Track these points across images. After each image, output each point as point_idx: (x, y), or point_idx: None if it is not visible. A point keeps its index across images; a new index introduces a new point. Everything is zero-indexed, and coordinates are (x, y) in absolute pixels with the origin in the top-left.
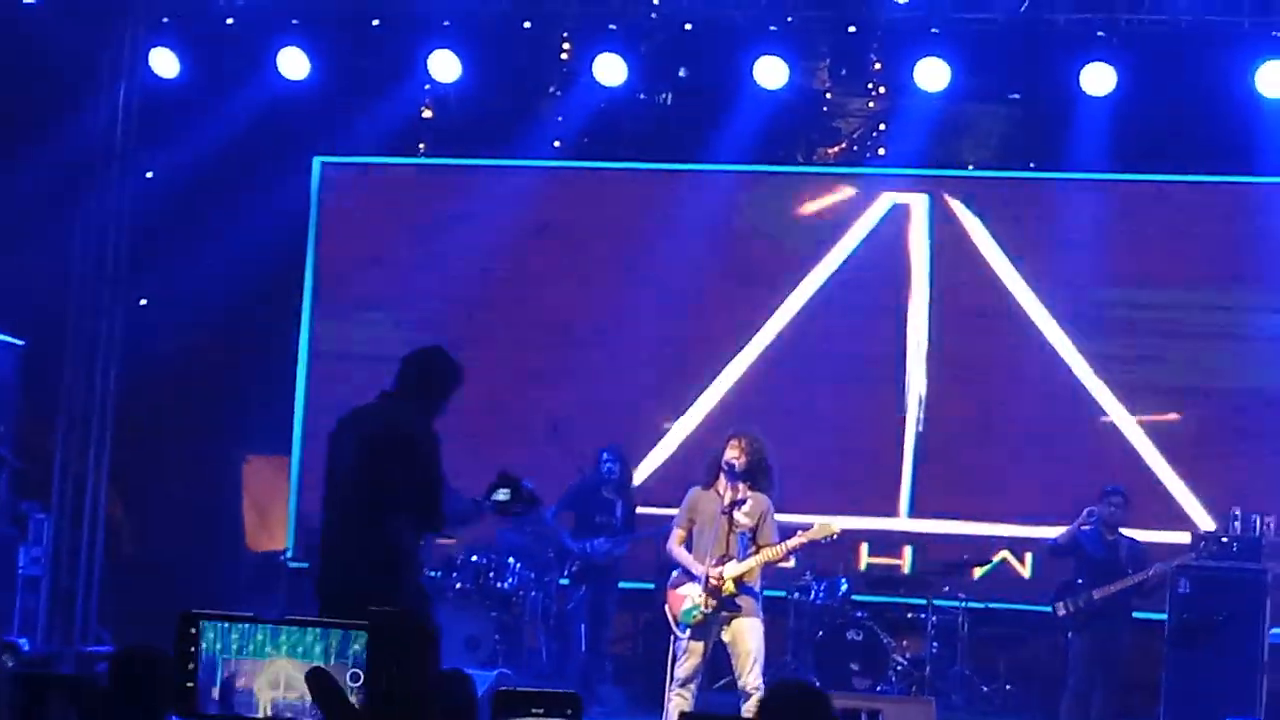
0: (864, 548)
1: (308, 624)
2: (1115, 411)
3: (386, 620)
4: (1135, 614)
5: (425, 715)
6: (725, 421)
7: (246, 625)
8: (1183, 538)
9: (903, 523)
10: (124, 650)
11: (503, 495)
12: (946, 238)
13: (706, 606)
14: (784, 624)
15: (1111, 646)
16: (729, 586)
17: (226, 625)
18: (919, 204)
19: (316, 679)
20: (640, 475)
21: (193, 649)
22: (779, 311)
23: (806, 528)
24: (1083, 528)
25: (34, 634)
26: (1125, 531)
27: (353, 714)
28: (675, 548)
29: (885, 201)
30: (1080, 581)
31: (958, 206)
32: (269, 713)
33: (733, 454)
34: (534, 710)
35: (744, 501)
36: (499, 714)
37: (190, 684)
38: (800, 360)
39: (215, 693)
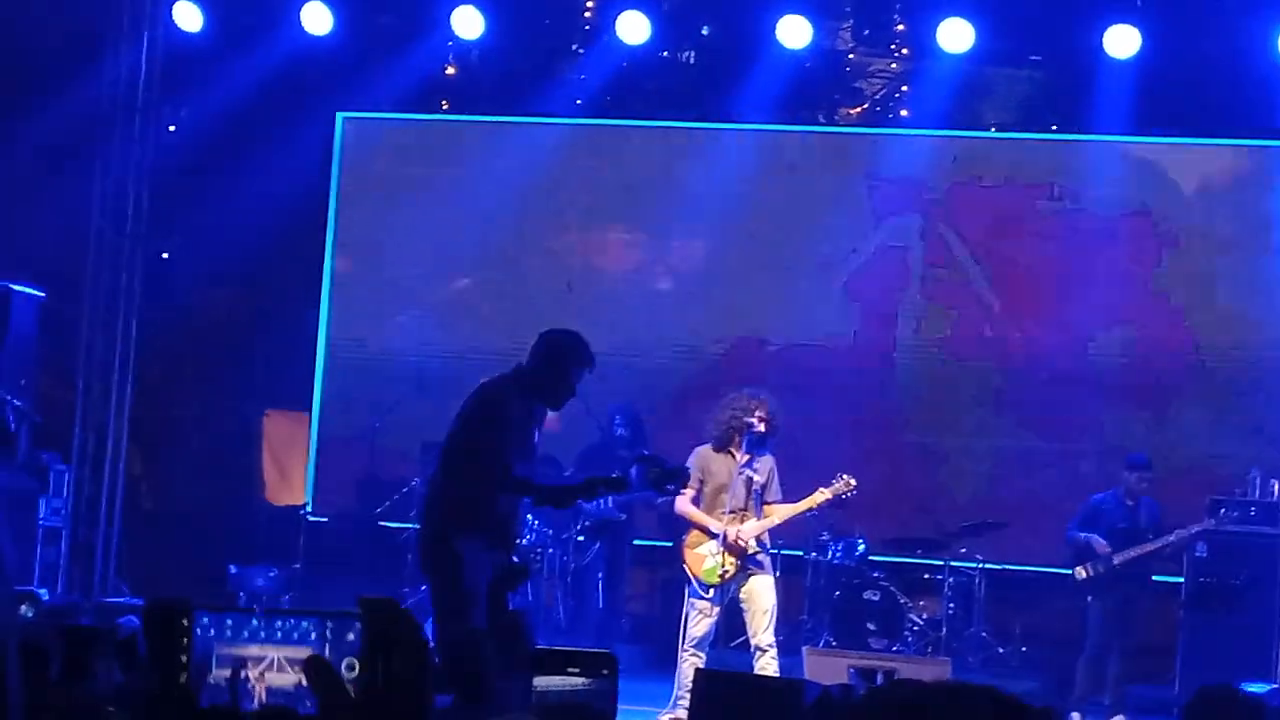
0: None
1: (302, 614)
2: None
3: (377, 609)
4: (1153, 577)
5: (420, 705)
6: (741, 374)
7: (240, 614)
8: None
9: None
10: (154, 602)
11: (653, 474)
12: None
13: (729, 565)
14: (801, 584)
15: (1130, 610)
16: (752, 544)
17: (220, 615)
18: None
19: (314, 666)
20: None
21: (185, 640)
22: (800, 269)
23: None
24: (1089, 523)
25: (54, 585)
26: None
27: (348, 703)
28: (687, 506)
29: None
30: None
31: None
32: (264, 700)
33: (758, 418)
34: (570, 669)
35: (754, 460)
36: (535, 672)
37: (183, 677)
38: (823, 321)
39: (212, 678)
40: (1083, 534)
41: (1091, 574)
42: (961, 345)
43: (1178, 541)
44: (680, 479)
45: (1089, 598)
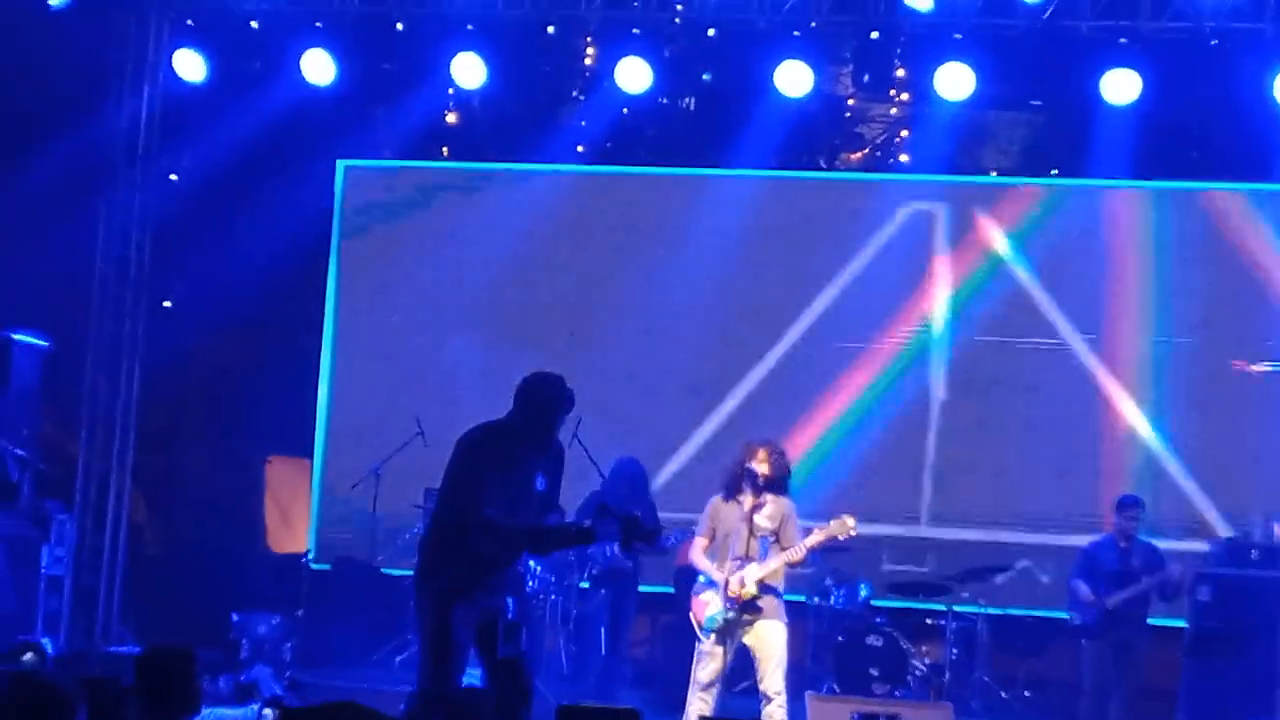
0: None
1: None
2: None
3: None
4: (1151, 620)
5: None
6: (747, 426)
7: None
8: (1201, 546)
9: (924, 530)
10: (149, 650)
11: (624, 531)
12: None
13: (729, 611)
14: (804, 629)
15: (1127, 653)
16: (751, 589)
17: None
18: (940, 213)
19: None
20: (662, 478)
21: (190, 686)
22: (801, 317)
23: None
24: (1093, 545)
25: (57, 634)
26: (1142, 537)
27: None
28: (697, 555)
29: (906, 210)
30: (1097, 590)
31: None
32: None
33: (758, 464)
34: None
35: (763, 505)
36: None
37: None
38: (823, 365)
39: None
40: (1073, 581)
41: (1083, 620)
42: (965, 387)
43: (1166, 579)
44: (650, 539)
45: (1085, 641)
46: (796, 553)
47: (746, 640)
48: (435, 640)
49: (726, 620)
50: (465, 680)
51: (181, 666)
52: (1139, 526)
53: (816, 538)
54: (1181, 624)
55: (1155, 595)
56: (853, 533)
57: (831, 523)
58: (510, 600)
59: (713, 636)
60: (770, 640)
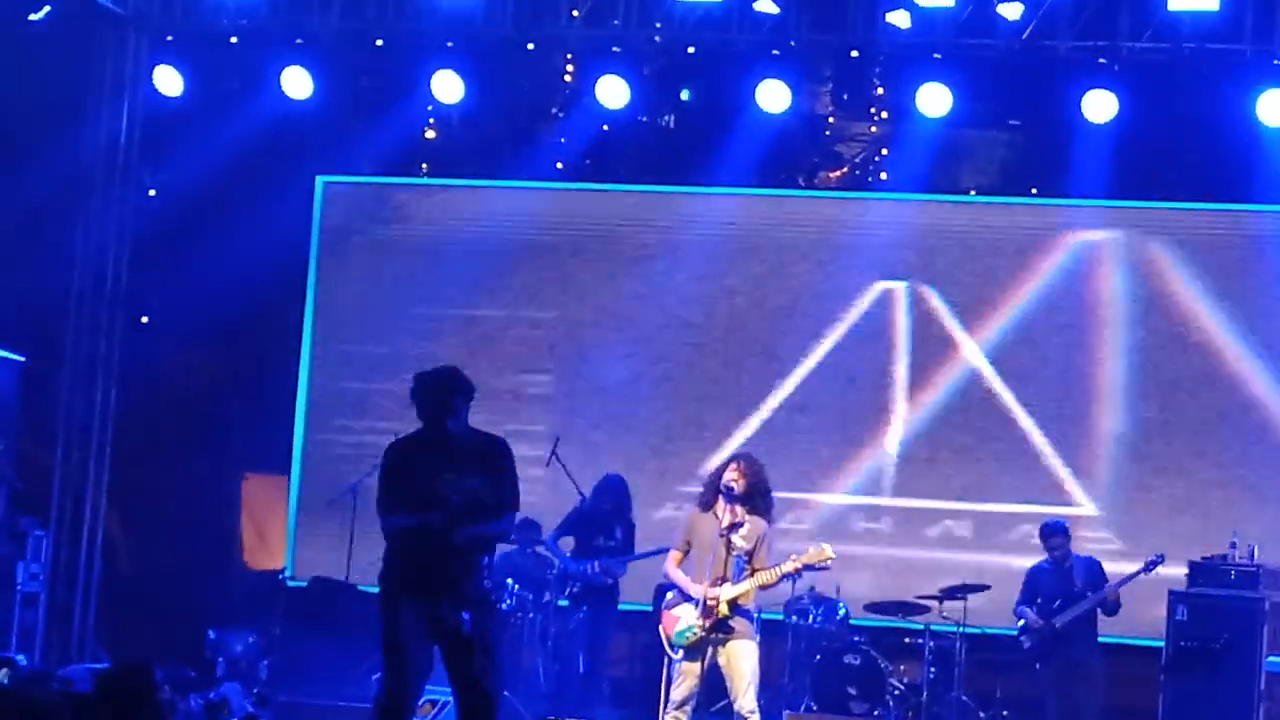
0: None
1: None
2: None
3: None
4: (1136, 641)
5: None
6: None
7: None
8: None
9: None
10: (112, 666)
11: None
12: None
13: (700, 628)
14: (782, 647)
15: (1081, 671)
16: (723, 609)
17: None
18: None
19: None
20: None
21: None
22: (780, 335)
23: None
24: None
25: (32, 650)
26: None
27: None
28: (672, 568)
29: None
30: (1044, 613)
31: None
32: None
33: (732, 476)
34: None
35: (741, 525)
36: None
37: None
38: (805, 386)
39: None
40: (1019, 608)
41: (1031, 644)
42: (949, 408)
43: (1110, 594)
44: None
45: (1038, 665)
46: (770, 576)
47: (719, 659)
48: (386, 647)
49: (697, 635)
50: (430, 696)
51: (140, 683)
52: (1068, 551)
53: (793, 564)
54: (1160, 643)
55: (1099, 611)
56: (829, 560)
57: (810, 549)
58: (465, 615)
59: (681, 652)
60: (742, 660)
